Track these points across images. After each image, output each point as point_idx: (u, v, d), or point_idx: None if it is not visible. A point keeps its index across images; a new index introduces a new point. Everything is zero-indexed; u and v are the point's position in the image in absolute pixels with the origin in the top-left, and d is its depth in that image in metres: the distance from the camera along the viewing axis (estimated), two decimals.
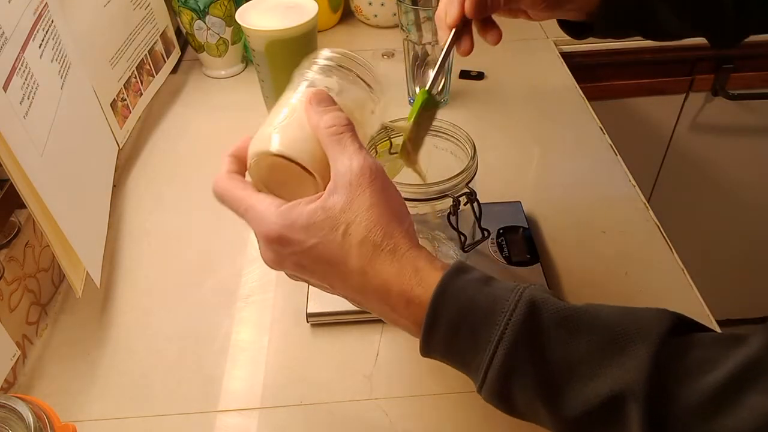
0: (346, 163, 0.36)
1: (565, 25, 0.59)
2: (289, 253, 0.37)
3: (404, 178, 0.57)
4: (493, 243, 0.63)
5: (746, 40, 0.57)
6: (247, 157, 0.40)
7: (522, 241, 0.63)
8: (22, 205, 0.52)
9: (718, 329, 0.57)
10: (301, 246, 0.36)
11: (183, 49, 0.98)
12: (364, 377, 0.55)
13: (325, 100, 0.39)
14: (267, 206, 0.37)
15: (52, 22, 0.61)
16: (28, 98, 0.53)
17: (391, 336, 0.58)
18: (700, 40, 0.57)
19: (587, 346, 0.33)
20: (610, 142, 0.79)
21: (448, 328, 0.35)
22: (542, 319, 0.33)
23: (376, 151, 0.57)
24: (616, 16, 0.53)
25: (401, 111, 0.83)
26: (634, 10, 0.53)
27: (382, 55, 0.98)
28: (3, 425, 0.40)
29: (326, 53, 0.42)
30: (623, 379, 0.31)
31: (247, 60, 0.97)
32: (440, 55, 0.51)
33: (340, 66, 0.42)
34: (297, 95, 0.41)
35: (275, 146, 0.39)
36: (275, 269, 0.39)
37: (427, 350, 0.37)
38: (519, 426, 0.51)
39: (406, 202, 0.52)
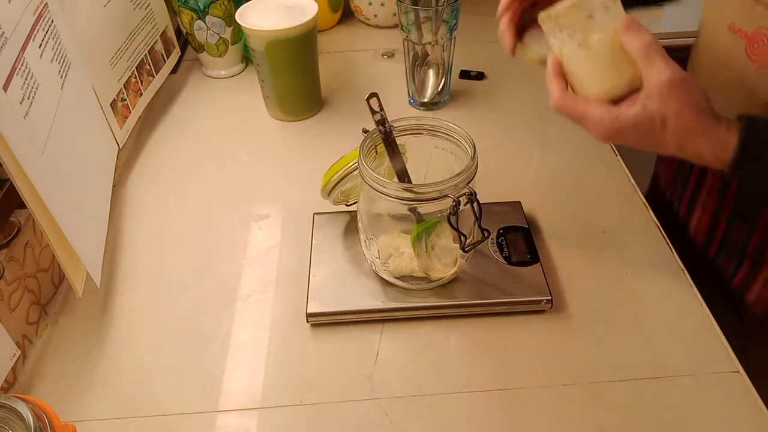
0: (655, 76, 0.47)
1: None
2: (620, 140, 0.50)
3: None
4: (493, 243, 0.63)
5: None
6: (565, 73, 0.52)
7: (522, 241, 0.63)
8: (22, 205, 0.52)
9: (717, 328, 0.57)
10: (628, 139, 0.49)
11: (183, 49, 0.98)
12: (364, 377, 0.55)
13: (636, 25, 0.48)
14: (600, 112, 0.49)
15: (52, 22, 0.62)
16: (28, 98, 0.54)
17: (391, 336, 0.58)
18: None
19: None
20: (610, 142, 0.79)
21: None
22: None
23: (376, 151, 0.57)
24: None
25: (401, 111, 0.84)
26: None
27: (382, 55, 0.98)
28: (3, 425, 0.40)
29: None
30: None
31: (247, 60, 0.97)
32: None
33: None
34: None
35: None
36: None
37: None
38: (519, 425, 0.51)
39: (406, 202, 0.53)
